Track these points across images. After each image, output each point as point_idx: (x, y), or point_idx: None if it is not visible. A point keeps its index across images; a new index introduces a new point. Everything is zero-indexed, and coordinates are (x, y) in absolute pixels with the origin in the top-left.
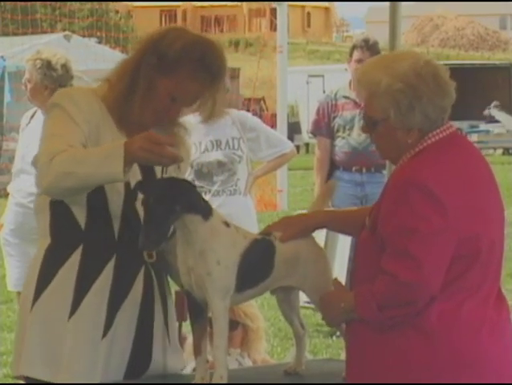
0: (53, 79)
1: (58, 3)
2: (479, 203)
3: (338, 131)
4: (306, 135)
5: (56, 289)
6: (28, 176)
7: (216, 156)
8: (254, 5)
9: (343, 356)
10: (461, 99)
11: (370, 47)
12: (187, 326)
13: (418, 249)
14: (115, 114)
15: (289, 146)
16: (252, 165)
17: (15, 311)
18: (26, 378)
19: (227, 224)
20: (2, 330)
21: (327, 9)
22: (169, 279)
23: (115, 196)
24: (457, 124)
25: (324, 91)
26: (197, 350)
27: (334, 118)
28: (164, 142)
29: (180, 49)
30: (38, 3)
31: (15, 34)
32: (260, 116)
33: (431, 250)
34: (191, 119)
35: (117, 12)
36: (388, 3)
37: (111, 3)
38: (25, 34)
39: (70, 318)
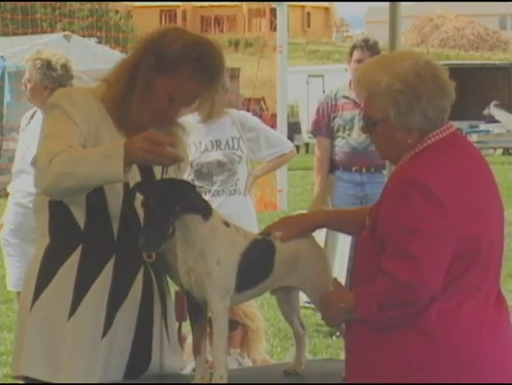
0: (53, 78)
1: (58, 3)
2: (479, 203)
3: (338, 131)
4: (306, 135)
5: (56, 289)
6: (28, 176)
7: (216, 155)
8: (254, 5)
9: (342, 356)
10: (460, 99)
11: (370, 47)
12: (187, 326)
13: (418, 249)
14: (113, 114)
15: (289, 146)
16: (252, 165)
17: (15, 311)
18: (26, 378)
19: (227, 224)
20: (2, 329)
21: (326, 9)
22: (168, 279)
23: (115, 197)
24: (456, 124)
25: (324, 91)
26: (197, 350)
27: (334, 118)
28: (164, 142)
29: (180, 49)
30: (38, 3)
31: (15, 34)
32: (260, 116)
33: (431, 250)
34: (190, 119)
35: (117, 12)
36: (387, 3)
37: (111, 3)
38: (25, 34)
39: (69, 318)
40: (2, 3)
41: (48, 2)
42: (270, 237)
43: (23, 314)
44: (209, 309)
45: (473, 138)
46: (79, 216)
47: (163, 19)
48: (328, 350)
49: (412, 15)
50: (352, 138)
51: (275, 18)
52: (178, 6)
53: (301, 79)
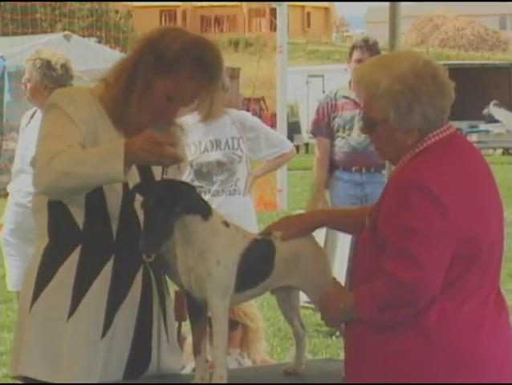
0: (53, 78)
1: (58, 3)
2: (479, 203)
3: (337, 131)
4: (305, 135)
5: (55, 289)
6: (27, 176)
7: (215, 155)
8: (254, 5)
9: (342, 356)
10: (460, 99)
11: (370, 47)
12: (186, 326)
13: (419, 249)
14: (112, 114)
15: (288, 146)
16: (252, 165)
17: (15, 311)
18: (25, 378)
19: (227, 224)
20: (2, 329)
21: (326, 9)
22: (168, 279)
23: (114, 197)
24: (456, 124)
25: (324, 91)
26: (197, 350)
27: (334, 118)
28: (164, 142)
29: (179, 49)
30: (37, 3)
31: (15, 34)
32: (260, 116)
33: (432, 251)
34: (189, 119)
35: (117, 12)
36: (387, 3)
37: (110, 3)
38: (25, 33)
39: (69, 318)
40: (2, 3)
41: (48, 2)
42: (270, 237)
43: (22, 314)
44: (209, 309)
45: (473, 138)
46: (78, 216)
47: (163, 19)
48: (328, 350)
49: (412, 15)
50: (352, 138)
51: (275, 18)
52: (178, 6)
53: (301, 78)
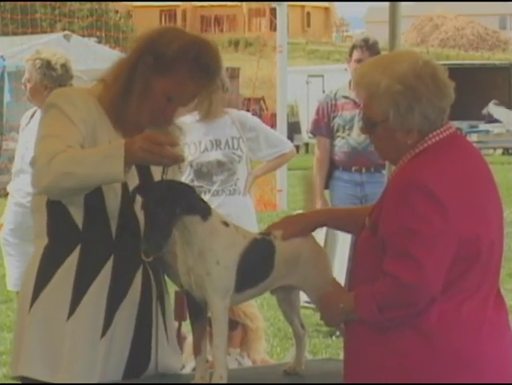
0: (52, 78)
1: (58, 3)
2: (479, 203)
3: (337, 131)
4: (305, 135)
5: (55, 289)
6: (27, 176)
7: (215, 155)
8: (254, 5)
9: (342, 356)
10: (460, 99)
11: (370, 47)
12: (187, 326)
13: (419, 250)
14: (111, 114)
15: (288, 146)
16: (252, 165)
17: (15, 311)
18: (25, 378)
19: (226, 224)
20: (2, 329)
21: (326, 9)
22: (167, 279)
23: (113, 197)
24: (456, 124)
25: (324, 91)
26: (197, 350)
27: (333, 118)
28: (164, 142)
29: (178, 49)
30: (37, 3)
31: (15, 34)
32: (260, 116)
33: (432, 252)
34: (189, 119)
35: (117, 12)
36: (387, 3)
37: (110, 3)
38: (24, 33)
39: (68, 318)
40: (2, 3)
41: (48, 2)
42: (270, 237)
43: (22, 314)
44: (209, 309)
45: (473, 138)
46: (77, 216)
47: (163, 19)
48: (328, 350)
49: (412, 15)
50: (352, 138)
51: (275, 18)
52: (178, 6)
53: (301, 78)
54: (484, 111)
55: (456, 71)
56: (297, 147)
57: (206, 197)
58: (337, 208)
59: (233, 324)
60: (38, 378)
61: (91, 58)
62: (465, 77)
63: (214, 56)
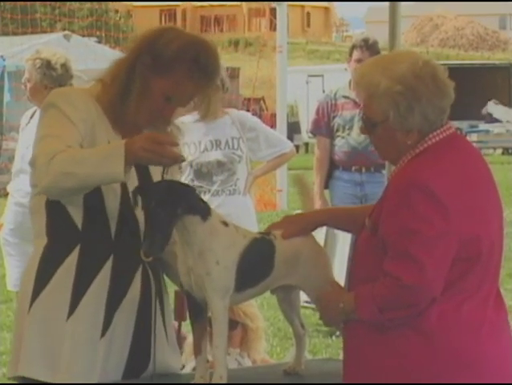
0: (52, 78)
1: (58, 3)
2: (479, 204)
3: (337, 130)
4: (305, 135)
5: (54, 289)
6: (27, 176)
7: (215, 155)
8: (254, 5)
9: (342, 356)
10: (460, 99)
11: (369, 47)
12: (187, 326)
13: (420, 251)
14: (110, 114)
15: (288, 146)
16: (251, 165)
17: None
18: (25, 378)
19: (226, 224)
20: (2, 329)
21: (326, 9)
22: (167, 279)
23: (112, 196)
24: (456, 124)
25: (324, 91)
26: (197, 350)
27: (333, 117)
28: (165, 142)
29: (177, 49)
30: (37, 3)
31: (15, 34)
32: (260, 116)
33: (433, 253)
34: (189, 119)
35: (117, 12)
36: (387, 3)
37: (110, 3)
38: (24, 33)
39: (68, 318)
40: (2, 3)
41: (48, 2)
42: (270, 236)
43: (21, 314)
44: (209, 308)
45: (473, 138)
46: (77, 216)
47: (163, 19)
48: (328, 349)
49: (412, 15)
50: (352, 137)
51: (275, 18)
52: (178, 6)
53: (301, 78)
54: (483, 111)
55: (456, 71)
56: (297, 147)
57: (206, 197)
58: (337, 208)
59: (233, 324)
60: (38, 378)
61: (91, 58)
62: (464, 77)
63: (213, 56)
